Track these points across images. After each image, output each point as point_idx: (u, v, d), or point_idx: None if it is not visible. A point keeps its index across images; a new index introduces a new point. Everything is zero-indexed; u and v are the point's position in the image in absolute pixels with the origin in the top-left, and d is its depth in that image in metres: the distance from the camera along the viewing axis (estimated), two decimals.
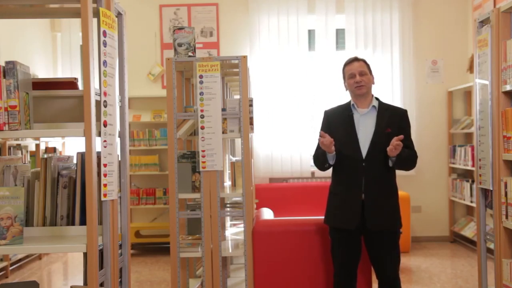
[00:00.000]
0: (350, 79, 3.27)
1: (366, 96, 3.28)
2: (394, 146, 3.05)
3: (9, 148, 5.36)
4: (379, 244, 3.24)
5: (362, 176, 3.18)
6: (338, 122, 3.31)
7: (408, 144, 3.26)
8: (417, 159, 3.31)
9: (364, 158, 3.19)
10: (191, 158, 3.66)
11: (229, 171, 4.14)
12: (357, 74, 3.24)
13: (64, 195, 2.36)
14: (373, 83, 3.32)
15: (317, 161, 3.38)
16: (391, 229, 3.25)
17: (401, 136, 3.08)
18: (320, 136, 3.17)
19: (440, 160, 6.74)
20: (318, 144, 3.34)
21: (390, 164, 3.18)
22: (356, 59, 3.32)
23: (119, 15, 2.54)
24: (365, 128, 3.23)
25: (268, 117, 6.59)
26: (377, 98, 3.34)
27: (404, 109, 3.42)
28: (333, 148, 3.17)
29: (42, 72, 6.58)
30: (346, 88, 3.34)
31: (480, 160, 3.30)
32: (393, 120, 3.26)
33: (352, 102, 3.31)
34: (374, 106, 3.28)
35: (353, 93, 3.29)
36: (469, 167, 6.04)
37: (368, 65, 3.32)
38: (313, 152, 3.46)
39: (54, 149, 6.27)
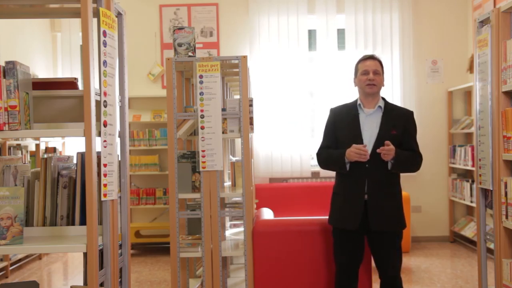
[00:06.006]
0: (363, 75, 3.23)
1: (374, 96, 3.25)
2: (382, 152, 3.06)
3: (9, 148, 5.36)
4: (381, 244, 3.24)
5: (366, 177, 3.16)
6: (343, 121, 3.29)
7: (412, 145, 3.25)
8: (421, 161, 3.30)
9: (368, 159, 3.16)
10: (191, 158, 3.66)
11: (229, 171, 4.14)
12: (371, 72, 3.21)
13: (64, 195, 2.36)
14: (383, 85, 3.30)
15: (329, 163, 3.31)
16: (394, 230, 3.24)
17: (388, 142, 3.07)
18: (358, 149, 3.10)
19: (440, 160, 6.74)
20: (325, 143, 3.33)
21: (389, 167, 3.17)
22: (372, 57, 3.28)
23: (119, 15, 2.53)
24: (370, 129, 3.21)
25: (268, 117, 6.59)
26: (383, 99, 3.31)
27: (411, 110, 3.37)
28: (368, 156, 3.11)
29: (42, 72, 6.58)
30: (355, 84, 3.31)
31: (480, 160, 3.30)
32: (398, 121, 3.23)
33: (358, 102, 3.29)
34: (380, 107, 3.25)
35: (362, 90, 3.25)
36: (469, 167, 6.03)
37: (382, 67, 3.30)
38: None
39: (54, 149, 6.28)
